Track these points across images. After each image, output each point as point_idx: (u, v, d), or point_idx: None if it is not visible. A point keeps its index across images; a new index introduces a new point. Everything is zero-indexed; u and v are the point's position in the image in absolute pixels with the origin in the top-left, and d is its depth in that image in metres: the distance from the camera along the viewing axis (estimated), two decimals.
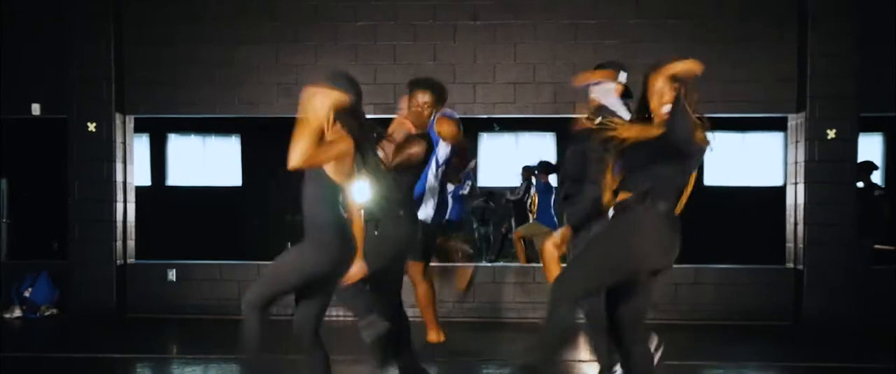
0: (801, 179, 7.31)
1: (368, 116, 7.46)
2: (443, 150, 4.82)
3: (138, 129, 8.17)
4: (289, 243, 12.43)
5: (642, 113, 3.19)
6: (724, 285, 7.54)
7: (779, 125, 11.98)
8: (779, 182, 12.38)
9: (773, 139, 13.40)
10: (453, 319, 7.29)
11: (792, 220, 7.48)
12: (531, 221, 10.23)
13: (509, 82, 7.46)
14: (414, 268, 5.15)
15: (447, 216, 5.39)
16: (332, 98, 3.17)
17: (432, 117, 4.58)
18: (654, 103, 3.11)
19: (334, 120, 3.20)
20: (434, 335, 5.45)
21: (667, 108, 3.06)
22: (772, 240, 9.75)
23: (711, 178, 13.78)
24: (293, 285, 3.29)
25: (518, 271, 7.95)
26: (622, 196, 3.19)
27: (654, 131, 3.05)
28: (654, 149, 3.06)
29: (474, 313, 7.54)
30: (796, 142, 7.42)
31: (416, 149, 4.20)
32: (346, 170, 3.27)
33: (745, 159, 13.79)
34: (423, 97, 4.47)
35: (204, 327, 7.17)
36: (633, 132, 3.09)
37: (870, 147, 12.84)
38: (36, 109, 7.66)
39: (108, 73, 7.45)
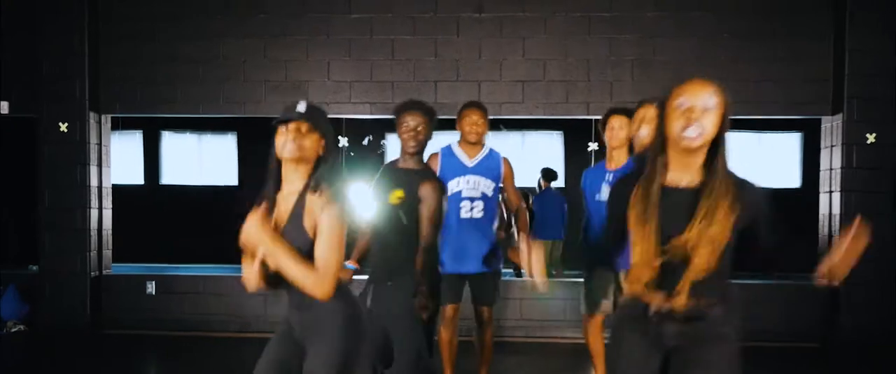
0: (836, 186, 6.65)
1: (365, 117, 6.92)
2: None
3: (130, 126, 7.59)
4: None
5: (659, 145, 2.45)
6: (747, 302, 6.88)
7: (797, 126, 11.35)
8: (795, 184, 11.79)
9: (790, 140, 12.78)
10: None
11: (825, 231, 6.80)
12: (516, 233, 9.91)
13: (517, 80, 6.83)
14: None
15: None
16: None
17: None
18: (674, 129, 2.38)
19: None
20: None
21: (691, 132, 2.35)
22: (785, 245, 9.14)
23: None
24: None
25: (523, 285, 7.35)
26: (668, 300, 2.38)
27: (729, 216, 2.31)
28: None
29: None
30: (831, 146, 6.75)
31: None
32: None
33: (760, 161, 13.16)
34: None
35: (185, 344, 6.58)
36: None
37: None
38: (4, 107, 7.05)
39: (81, 69, 6.85)
